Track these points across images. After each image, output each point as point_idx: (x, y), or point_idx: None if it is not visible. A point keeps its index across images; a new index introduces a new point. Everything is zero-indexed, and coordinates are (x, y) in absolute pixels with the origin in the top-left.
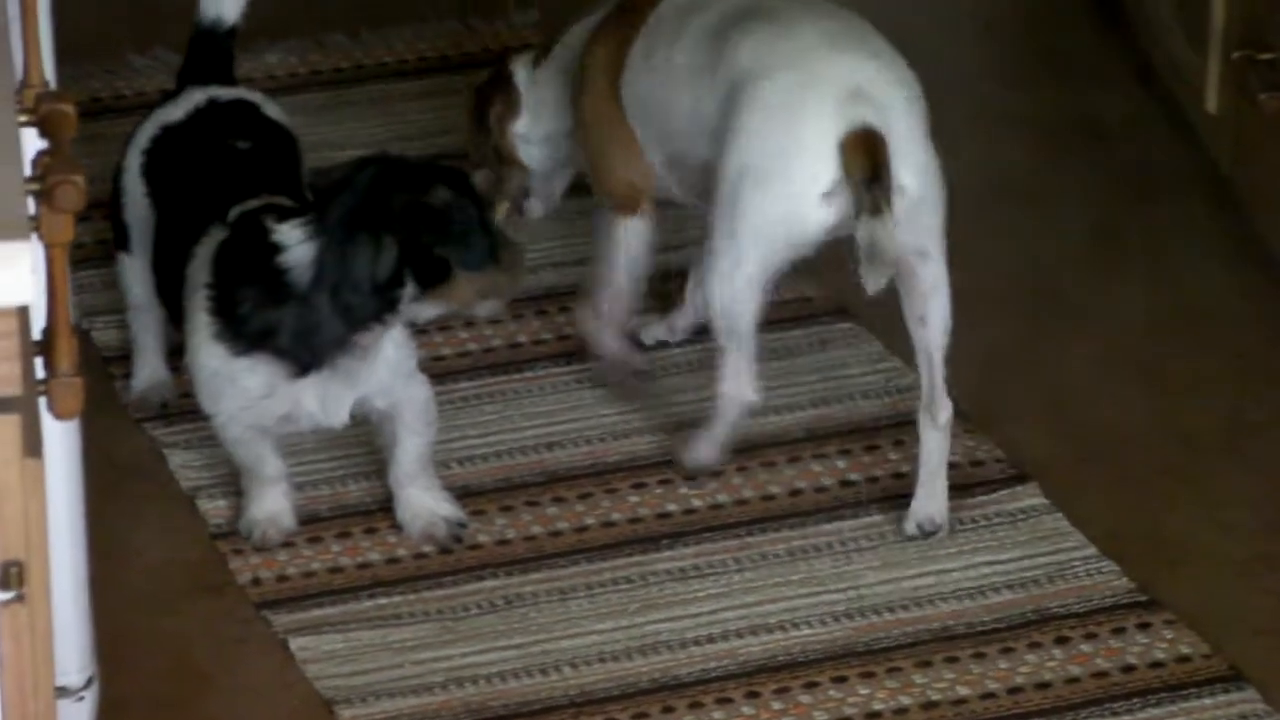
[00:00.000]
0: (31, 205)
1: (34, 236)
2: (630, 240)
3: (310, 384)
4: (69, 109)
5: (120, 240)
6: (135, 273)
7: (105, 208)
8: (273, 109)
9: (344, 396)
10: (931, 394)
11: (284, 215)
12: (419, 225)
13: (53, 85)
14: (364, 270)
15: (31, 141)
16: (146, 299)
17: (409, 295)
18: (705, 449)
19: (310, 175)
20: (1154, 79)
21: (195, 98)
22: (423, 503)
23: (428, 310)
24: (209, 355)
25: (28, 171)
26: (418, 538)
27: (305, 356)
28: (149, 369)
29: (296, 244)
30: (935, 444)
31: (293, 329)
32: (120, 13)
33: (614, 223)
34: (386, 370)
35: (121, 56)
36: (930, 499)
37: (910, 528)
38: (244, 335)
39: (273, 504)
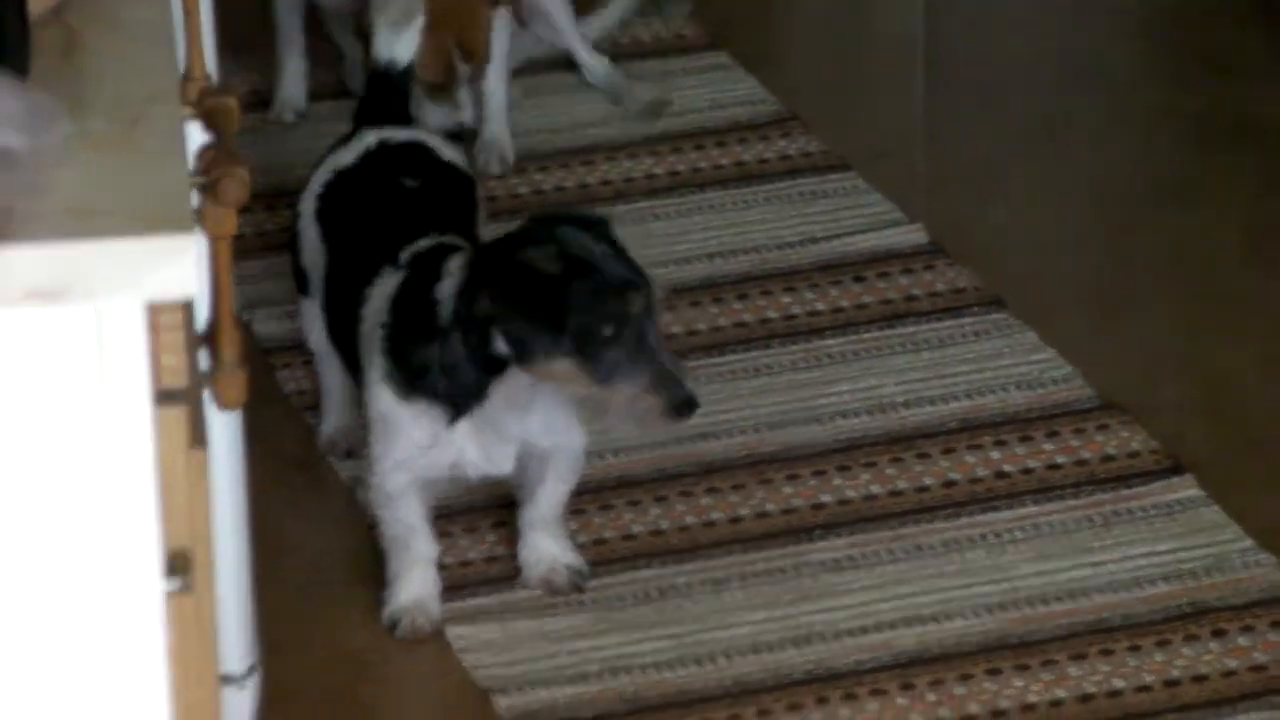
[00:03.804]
0: (195, 198)
1: (198, 229)
2: None
3: (469, 432)
4: (232, 102)
5: (300, 285)
6: (315, 317)
7: (265, 200)
8: (449, 151)
9: (506, 443)
10: None
11: (455, 253)
12: (510, 289)
13: (215, 79)
14: (470, 321)
15: (195, 135)
16: (326, 344)
17: (499, 355)
18: None
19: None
20: None
21: (367, 140)
22: (549, 548)
23: (531, 378)
24: (379, 398)
25: (191, 165)
26: (536, 582)
27: (453, 396)
28: (335, 414)
29: (448, 279)
30: None
31: (439, 367)
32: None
33: None
34: (545, 416)
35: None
36: None
37: None
38: (403, 374)
39: (420, 588)
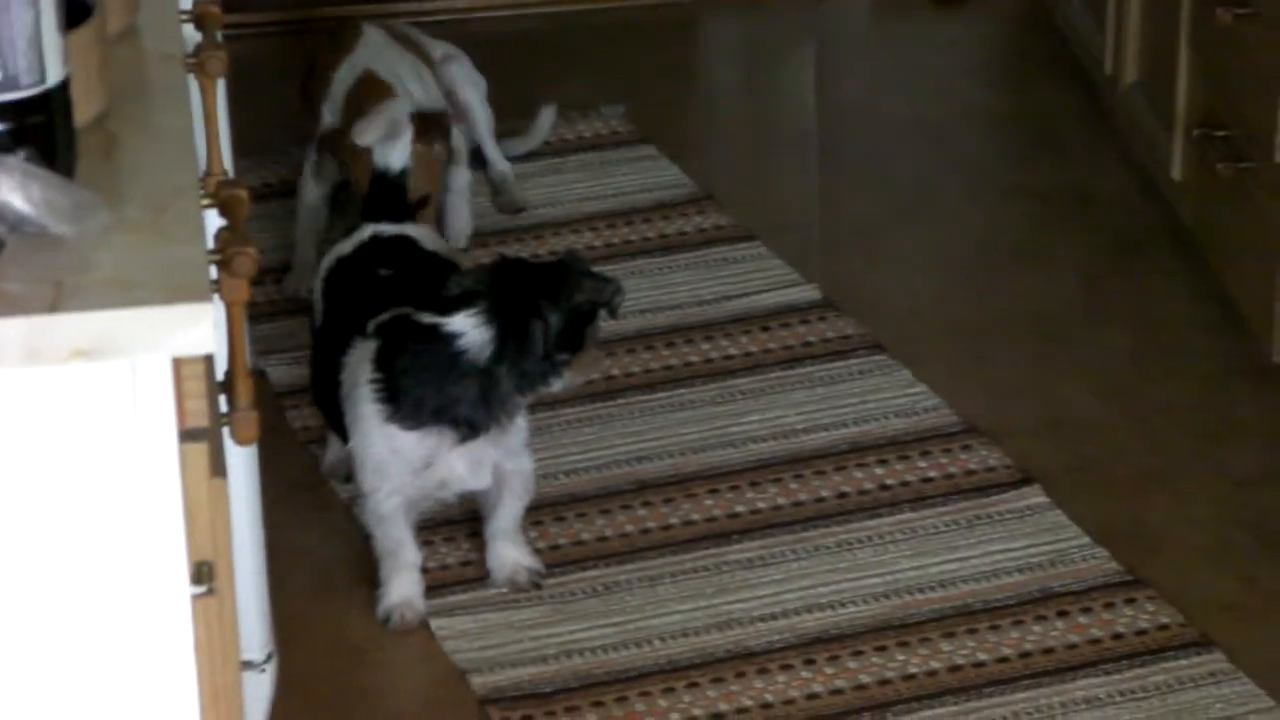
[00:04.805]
0: (213, 272)
1: (215, 298)
2: None
3: (465, 450)
4: (243, 193)
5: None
6: None
7: (274, 273)
8: (433, 242)
9: (487, 460)
10: None
11: (424, 310)
12: (586, 293)
13: (230, 174)
14: (539, 341)
15: (213, 220)
16: None
17: (564, 360)
18: None
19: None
20: (1130, 155)
21: (364, 233)
22: (510, 555)
23: (566, 380)
24: (380, 436)
25: (210, 245)
26: (502, 582)
27: (481, 420)
28: (335, 446)
29: (471, 330)
30: None
31: (472, 398)
32: (282, 117)
33: None
34: (515, 436)
35: (285, 151)
36: None
37: None
38: (420, 412)
39: (407, 589)
